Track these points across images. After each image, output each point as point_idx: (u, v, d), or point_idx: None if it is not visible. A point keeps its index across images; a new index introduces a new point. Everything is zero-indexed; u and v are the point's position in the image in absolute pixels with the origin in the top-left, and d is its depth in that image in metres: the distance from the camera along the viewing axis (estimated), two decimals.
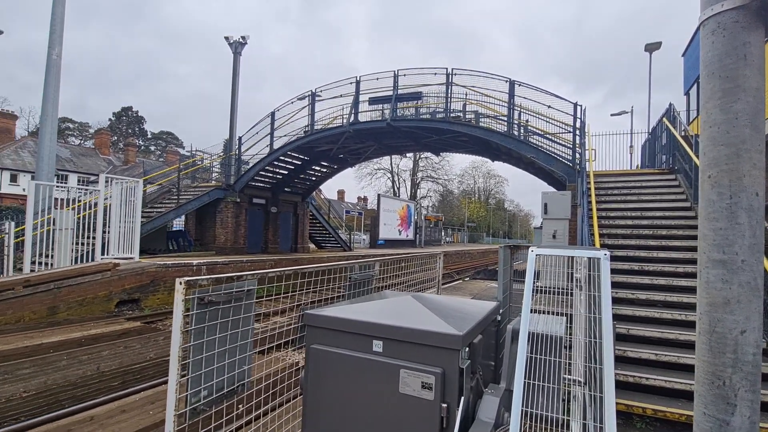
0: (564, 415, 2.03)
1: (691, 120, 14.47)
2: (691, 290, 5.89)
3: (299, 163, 17.79)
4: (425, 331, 1.80)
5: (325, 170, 19.84)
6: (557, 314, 2.77)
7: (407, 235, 35.26)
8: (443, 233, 49.65)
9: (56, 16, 11.65)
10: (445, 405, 1.72)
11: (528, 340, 1.77)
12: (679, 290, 5.98)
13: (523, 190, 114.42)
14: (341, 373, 1.95)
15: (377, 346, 1.91)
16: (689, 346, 4.91)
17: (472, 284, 15.73)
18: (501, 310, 2.71)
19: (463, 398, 1.73)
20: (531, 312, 3.25)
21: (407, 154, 46.76)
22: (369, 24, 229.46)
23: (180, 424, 1.74)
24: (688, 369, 4.61)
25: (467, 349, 1.81)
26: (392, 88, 13.86)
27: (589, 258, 1.97)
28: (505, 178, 75.25)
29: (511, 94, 12.07)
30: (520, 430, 1.59)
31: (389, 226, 32.36)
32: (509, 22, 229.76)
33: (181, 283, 1.75)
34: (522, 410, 1.54)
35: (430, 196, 62.34)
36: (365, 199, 63.81)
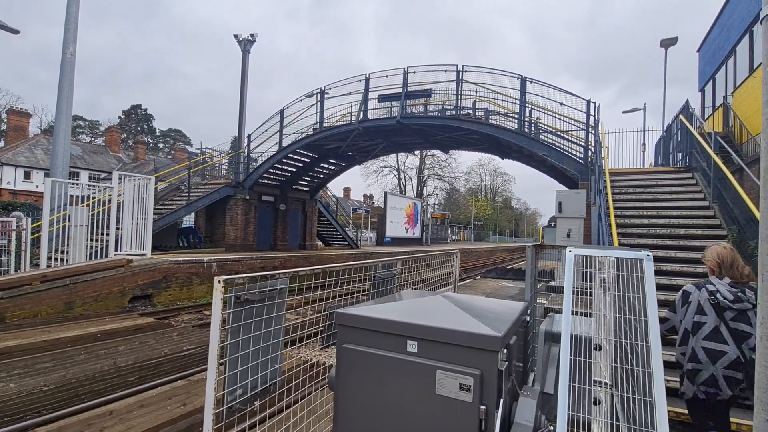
0: (597, 416, 2.00)
1: (706, 117, 14.28)
2: None
3: (308, 160, 17.81)
4: (463, 332, 1.77)
5: (333, 168, 19.85)
6: (580, 314, 2.74)
7: (414, 233, 35.24)
8: (450, 231, 49.57)
9: (70, 16, 11.75)
10: (483, 407, 1.70)
11: (570, 342, 1.74)
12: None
13: (530, 188, 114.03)
14: (374, 373, 1.94)
15: (412, 346, 1.89)
16: None
17: (484, 283, 15.67)
18: (529, 311, 2.68)
19: (502, 400, 1.71)
20: (553, 312, 3.22)
21: (414, 152, 46.69)
22: (378, 21, 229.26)
23: (218, 422, 1.73)
24: None
25: (505, 350, 1.79)
26: (401, 86, 13.82)
27: (629, 259, 1.94)
28: (512, 176, 75.18)
29: (523, 91, 11.97)
30: None
31: (396, 223, 32.37)
32: (521, 18, 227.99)
33: (219, 282, 1.74)
34: (568, 414, 1.51)
35: (437, 194, 62.28)
36: (371, 196, 63.86)
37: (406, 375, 1.87)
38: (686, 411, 3.24)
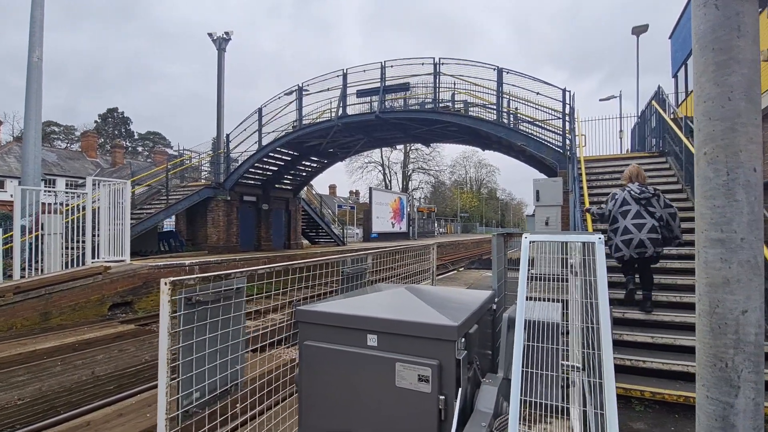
0: (563, 402, 2.01)
1: (679, 102, 14.53)
2: (685, 272, 5.92)
3: (289, 158, 17.63)
4: (420, 323, 1.76)
5: (315, 165, 19.70)
6: (553, 301, 2.75)
7: (400, 228, 35.24)
8: (436, 224, 49.73)
9: (35, 19, 11.37)
10: (442, 397, 1.69)
11: (525, 328, 1.74)
12: (672, 272, 6.01)
13: (515, 179, 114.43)
14: (336, 368, 1.92)
15: (372, 340, 1.87)
16: (685, 327, 4.94)
17: (467, 274, 15.77)
18: (496, 299, 2.69)
19: (460, 389, 1.71)
20: (527, 299, 3.24)
21: (398, 147, 46.63)
22: (363, 18, 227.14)
23: (172, 427, 1.69)
24: (684, 350, 4.64)
25: (463, 339, 1.78)
26: (380, 80, 13.75)
27: (583, 243, 1.94)
28: (496, 167, 75.40)
29: (500, 82, 12.00)
30: (520, 418, 1.57)
31: (382, 219, 32.32)
32: (504, 12, 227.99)
33: (166, 284, 1.69)
34: (520, 399, 1.51)
35: (422, 188, 62.38)
36: (357, 193, 63.66)
37: (367, 369, 1.85)
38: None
